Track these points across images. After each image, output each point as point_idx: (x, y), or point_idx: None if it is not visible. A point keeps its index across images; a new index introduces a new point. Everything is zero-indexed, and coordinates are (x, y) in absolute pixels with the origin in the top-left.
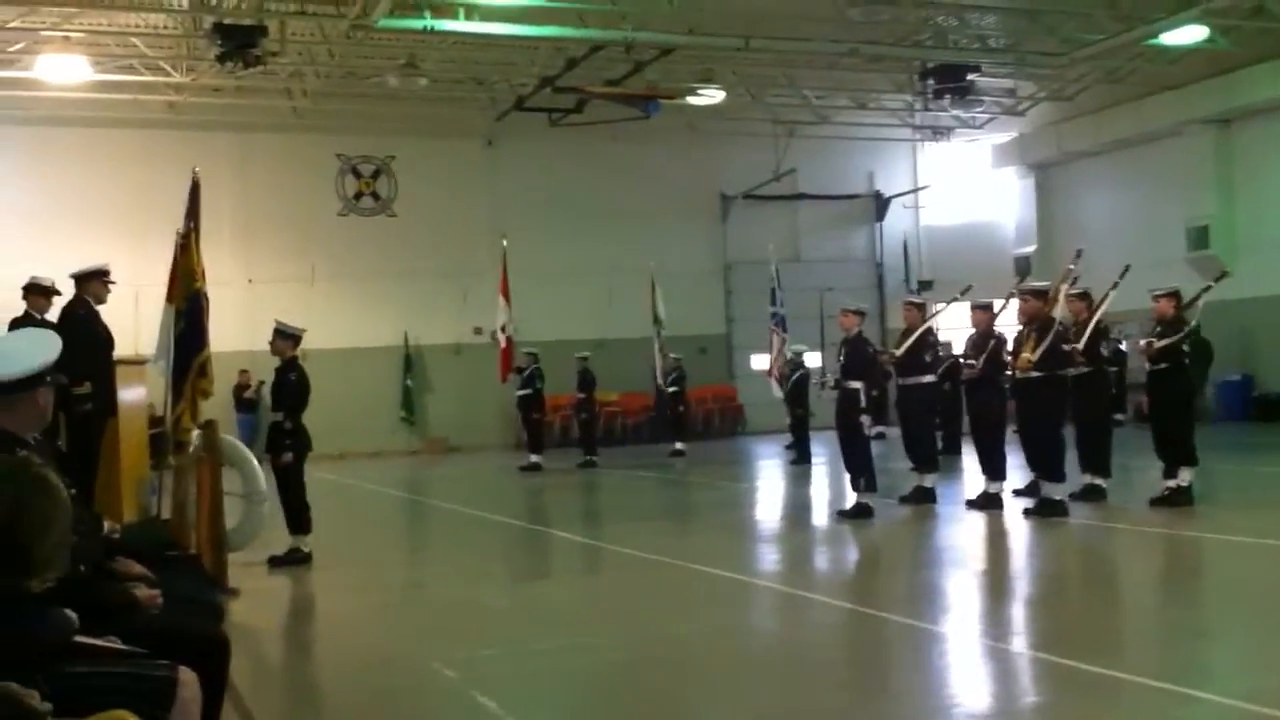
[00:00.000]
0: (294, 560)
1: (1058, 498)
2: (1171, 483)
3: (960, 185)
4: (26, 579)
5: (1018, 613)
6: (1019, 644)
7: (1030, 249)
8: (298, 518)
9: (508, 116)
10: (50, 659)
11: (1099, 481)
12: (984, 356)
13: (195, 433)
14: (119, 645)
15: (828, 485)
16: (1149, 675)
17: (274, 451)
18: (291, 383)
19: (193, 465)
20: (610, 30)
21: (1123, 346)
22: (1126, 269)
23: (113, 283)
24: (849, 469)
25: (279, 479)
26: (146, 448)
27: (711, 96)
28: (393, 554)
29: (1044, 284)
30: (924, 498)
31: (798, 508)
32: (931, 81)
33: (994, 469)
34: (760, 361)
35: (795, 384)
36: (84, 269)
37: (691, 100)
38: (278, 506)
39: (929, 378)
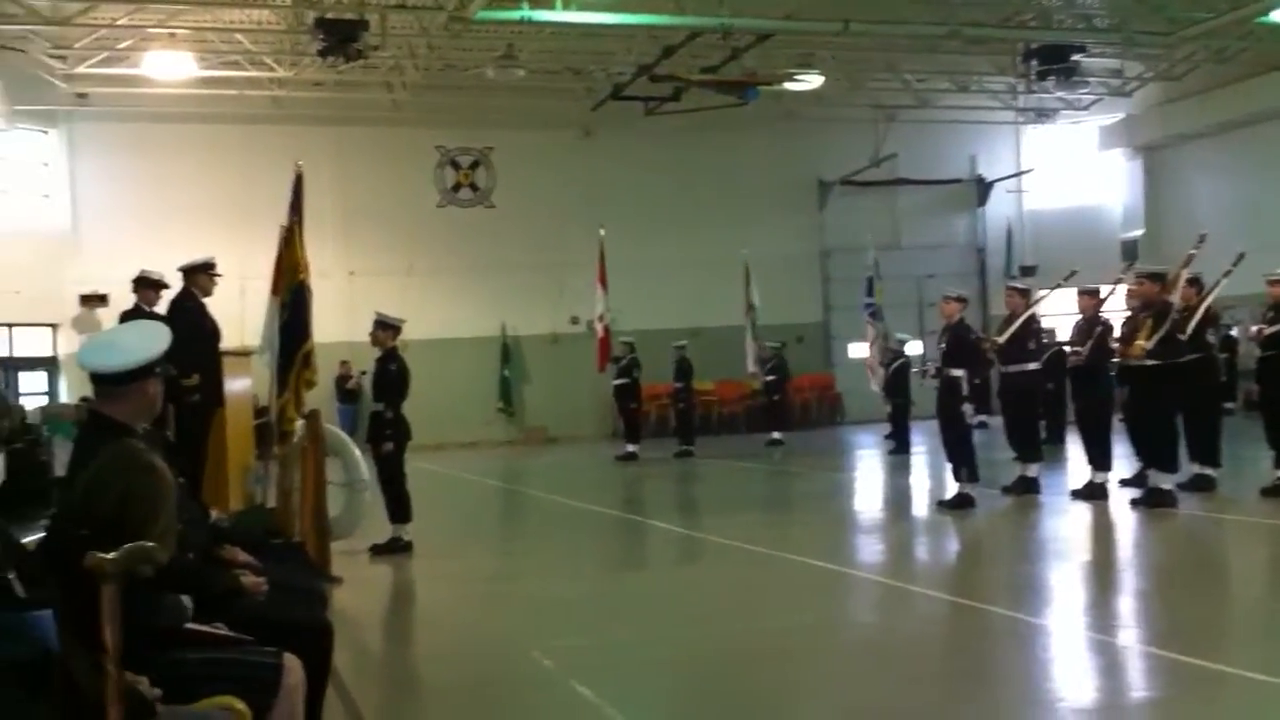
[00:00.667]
0: (395, 549)
1: (1166, 488)
2: None
3: (1065, 168)
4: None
5: (1124, 606)
6: (1125, 638)
7: (1137, 233)
8: (399, 507)
9: (604, 106)
10: (161, 645)
11: (1208, 471)
12: (1090, 343)
13: (299, 423)
14: (226, 632)
15: (928, 475)
16: (1259, 670)
17: (375, 441)
18: (392, 373)
19: (296, 454)
20: (707, 17)
21: (1233, 333)
22: (1241, 256)
23: (219, 275)
24: (950, 459)
25: (380, 468)
26: (252, 438)
27: (810, 82)
28: (491, 543)
29: (1162, 268)
30: (1027, 488)
31: (897, 498)
32: (1035, 63)
33: (1100, 458)
34: (858, 350)
35: (895, 373)
36: (191, 262)
37: (789, 86)
38: (378, 495)
39: (1032, 365)
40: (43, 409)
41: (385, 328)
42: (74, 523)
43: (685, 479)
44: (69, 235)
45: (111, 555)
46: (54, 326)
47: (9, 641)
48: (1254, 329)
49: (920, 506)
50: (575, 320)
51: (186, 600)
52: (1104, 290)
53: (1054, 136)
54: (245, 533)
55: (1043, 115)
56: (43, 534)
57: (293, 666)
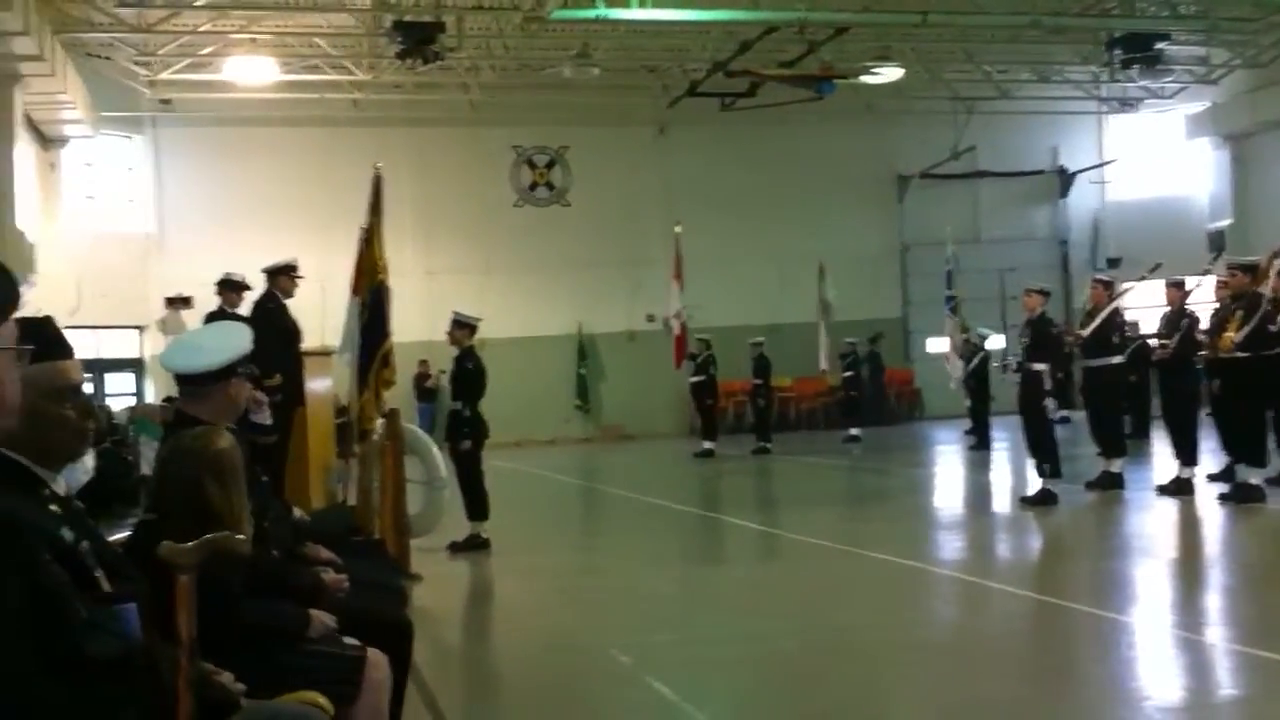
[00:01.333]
0: (473, 546)
1: (1254, 483)
2: None
3: (1150, 158)
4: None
5: (1211, 603)
6: (1212, 635)
7: (1225, 223)
8: (477, 504)
9: (680, 103)
10: (251, 642)
11: None
12: (1177, 336)
13: (378, 421)
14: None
15: (1010, 471)
16: None
17: (453, 439)
18: (469, 371)
19: (376, 453)
20: (783, 11)
21: None
22: None
23: (300, 277)
24: (1033, 454)
25: (458, 466)
26: (333, 436)
27: (888, 75)
28: (568, 540)
29: (1253, 259)
30: (1112, 483)
31: (978, 494)
32: (1118, 51)
33: (1187, 453)
34: (937, 345)
35: (975, 367)
36: (274, 264)
37: (867, 79)
38: (457, 493)
39: (1116, 359)
40: (129, 409)
41: (462, 326)
42: (154, 515)
43: (763, 475)
44: (154, 239)
45: (187, 545)
46: (140, 329)
47: (99, 637)
48: None
49: (1002, 503)
50: (651, 318)
51: (323, 615)
52: (1190, 282)
53: (1138, 126)
54: (326, 531)
55: (1126, 105)
56: (129, 532)
57: (377, 661)
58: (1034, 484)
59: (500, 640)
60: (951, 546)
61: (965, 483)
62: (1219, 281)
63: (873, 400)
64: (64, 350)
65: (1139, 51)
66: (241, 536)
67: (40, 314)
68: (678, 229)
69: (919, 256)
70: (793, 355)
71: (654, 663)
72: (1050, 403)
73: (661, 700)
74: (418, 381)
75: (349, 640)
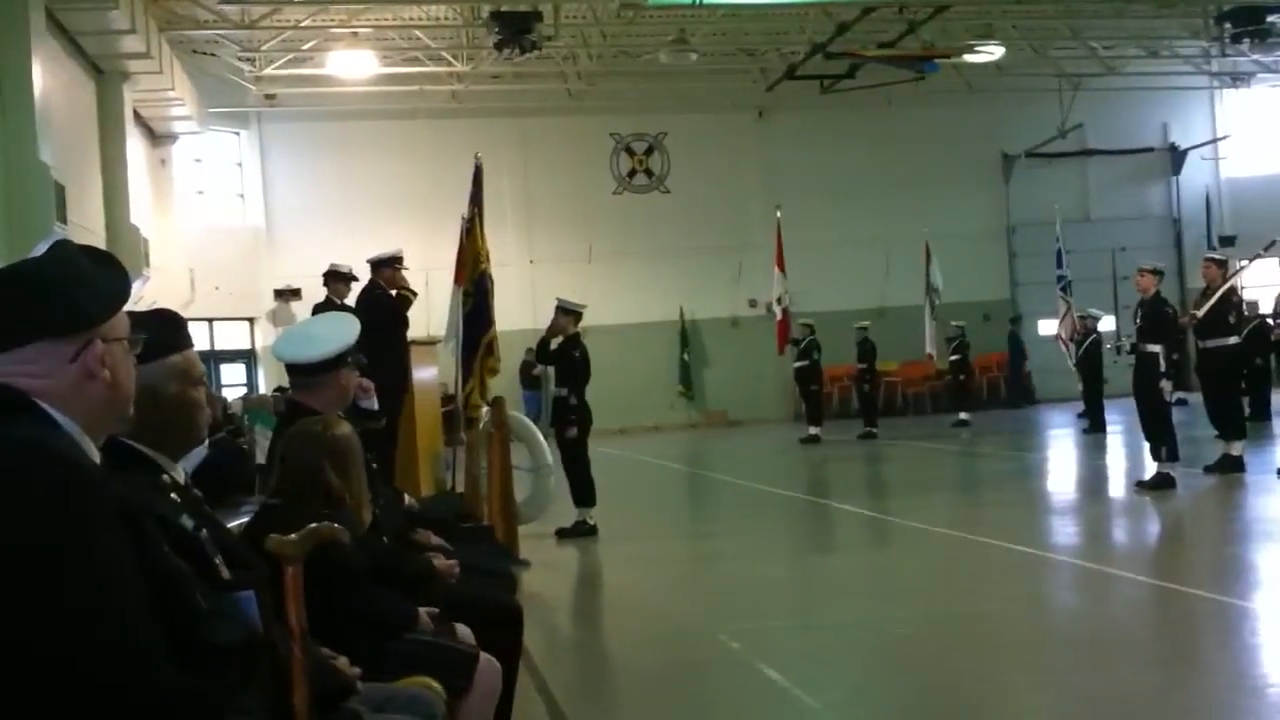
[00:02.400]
0: (580, 532)
1: None
2: None
3: (1264, 133)
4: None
5: None
6: None
7: None
8: (583, 490)
9: (778, 86)
10: (366, 627)
11: None
12: None
13: (484, 409)
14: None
15: (1125, 455)
16: None
17: (559, 426)
18: (574, 359)
19: (483, 440)
20: None
21: None
22: None
23: (406, 269)
24: (1148, 437)
25: (564, 453)
26: (440, 424)
27: (991, 53)
28: (675, 527)
29: None
30: (1231, 467)
31: (1093, 479)
32: (1229, 24)
33: None
34: (1048, 327)
35: (1088, 349)
36: (379, 255)
37: (969, 58)
38: (563, 480)
39: (1233, 339)
40: (242, 399)
41: (567, 313)
42: (279, 502)
43: (870, 461)
44: (263, 232)
45: (292, 537)
46: (251, 320)
47: (220, 624)
48: None
49: (1117, 487)
50: (753, 303)
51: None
52: None
53: (1251, 101)
54: (436, 517)
55: (1238, 79)
56: (246, 519)
57: (490, 668)
58: (1150, 468)
59: (609, 626)
60: (1067, 532)
61: (1079, 467)
62: None
63: (1011, 381)
64: (188, 341)
65: (1250, 24)
66: (338, 525)
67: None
68: (778, 213)
69: (1027, 237)
70: (899, 339)
71: (765, 649)
72: (1166, 385)
73: (774, 686)
74: (524, 369)
75: (464, 642)
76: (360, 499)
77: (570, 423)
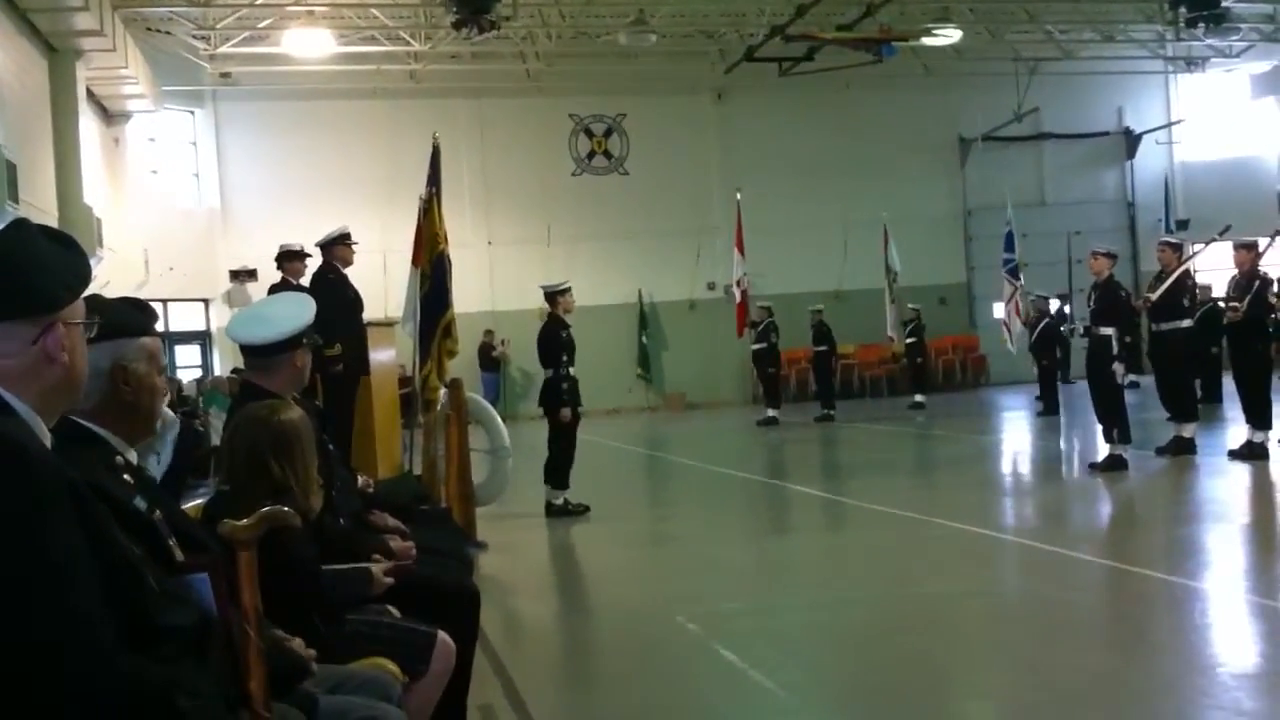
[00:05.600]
0: (565, 512)
1: None
2: None
3: (1218, 118)
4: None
5: None
6: None
7: None
8: (559, 472)
9: (737, 69)
10: (325, 610)
11: None
12: (1248, 298)
13: (442, 391)
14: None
15: (1078, 437)
16: None
17: (549, 406)
18: (561, 339)
19: (441, 423)
20: None
21: None
22: None
23: (355, 244)
24: (1101, 420)
25: (553, 432)
26: (398, 406)
27: (948, 36)
28: (634, 509)
29: None
30: (1183, 449)
31: (1047, 461)
32: (1183, 9)
33: (1259, 417)
34: (1003, 310)
35: (1041, 332)
36: (327, 236)
37: (927, 41)
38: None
39: (1186, 323)
40: (197, 381)
41: (553, 295)
42: (230, 486)
43: (827, 443)
44: (218, 213)
45: (243, 522)
46: (206, 301)
47: (172, 606)
48: None
49: (1071, 469)
50: (712, 285)
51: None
52: (1262, 244)
53: (1205, 86)
54: (394, 499)
55: (1192, 64)
56: (200, 501)
57: (445, 649)
58: (1103, 450)
59: (567, 608)
60: (1021, 513)
61: (1033, 449)
62: None
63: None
64: (155, 329)
65: (1204, 10)
66: (290, 509)
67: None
68: (738, 196)
69: (983, 220)
70: (857, 322)
71: (722, 631)
72: (1119, 367)
73: (730, 668)
74: (482, 351)
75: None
76: (308, 484)
77: (564, 403)
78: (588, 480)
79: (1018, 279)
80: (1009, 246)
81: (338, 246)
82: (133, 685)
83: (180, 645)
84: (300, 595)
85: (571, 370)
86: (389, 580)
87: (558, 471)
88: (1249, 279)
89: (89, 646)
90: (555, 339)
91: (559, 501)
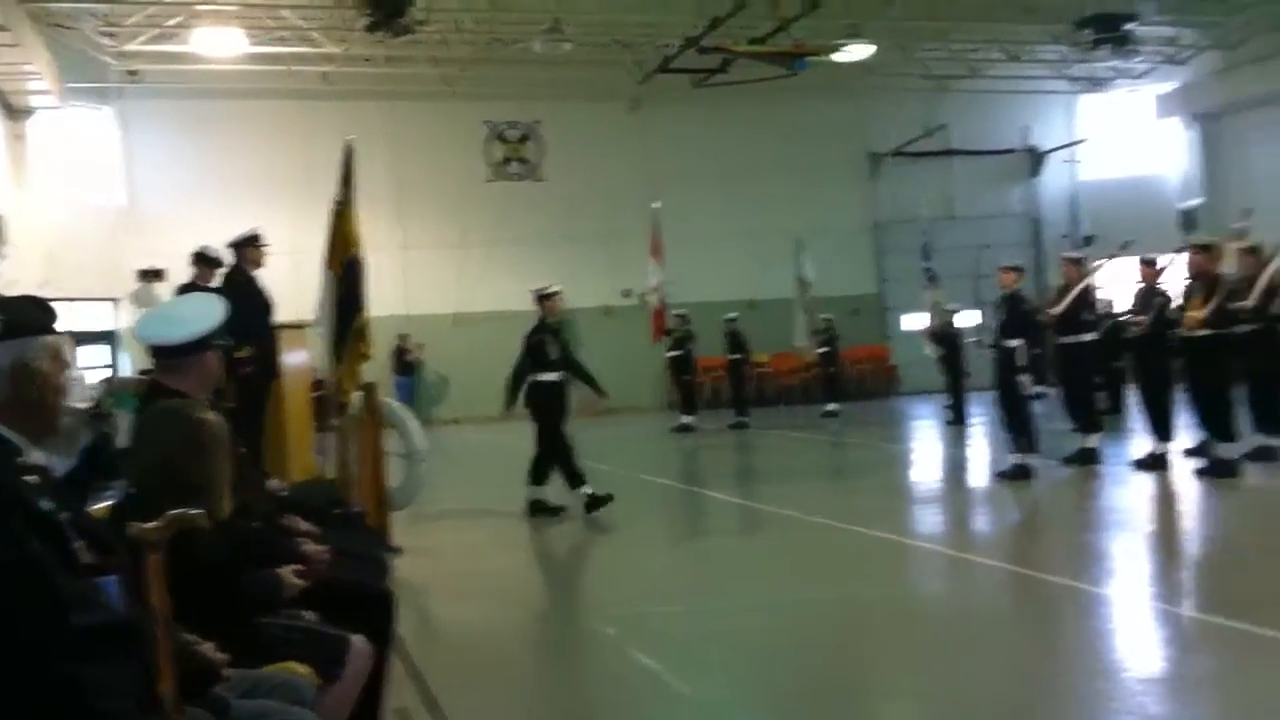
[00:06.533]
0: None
1: (1229, 458)
2: None
3: (1121, 137)
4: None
5: (1188, 576)
6: (1190, 607)
7: (1196, 202)
8: (539, 469)
9: (653, 79)
10: (237, 612)
11: (1272, 441)
12: (1150, 313)
13: (356, 395)
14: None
15: (986, 446)
16: None
17: (537, 407)
18: (535, 343)
19: (354, 426)
20: None
21: None
22: None
23: (266, 245)
24: (1008, 429)
25: (540, 433)
26: (310, 410)
27: (859, 52)
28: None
29: (1213, 239)
30: (1087, 459)
31: (955, 469)
32: (1088, 31)
33: (1161, 429)
34: (912, 321)
35: (949, 343)
36: (238, 237)
37: (839, 57)
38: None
39: (1089, 335)
40: (105, 382)
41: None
42: (145, 489)
43: (742, 450)
44: (125, 211)
45: (151, 525)
46: (113, 301)
47: (83, 608)
48: None
49: (979, 477)
50: (628, 293)
51: (285, 575)
52: (1163, 260)
53: (1109, 106)
54: (307, 503)
55: (1097, 84)
56: (109, 503)
57: (361, 651)
58: (1010, 459)
59: (484, 612)
60: (930, 520)
61: (942, 457)
62: (1188, 260)
63: None
64: (55, 328)
65: (1109, 31)
66: (198, 512)
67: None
68: (655, 204)
69: (893, 233)
70: (771, 331)
71: (640, 634)
72: (1025, 379)
73: (644, 671)
74: (397, 355)
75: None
76: (220, 486)
77: (556, 409)
78: (505, 484)
79: (938, 286)
80: (926, 256)
81: (248, 248)
82: (65, 687)
83: (93, 647)
84: (211, 599)
85: (552, 376)
86: (299, 582)
87: (537, 469)
88: (1151, 294)
89: (25, 652)
90: (539, 344)
91: (537, 498)
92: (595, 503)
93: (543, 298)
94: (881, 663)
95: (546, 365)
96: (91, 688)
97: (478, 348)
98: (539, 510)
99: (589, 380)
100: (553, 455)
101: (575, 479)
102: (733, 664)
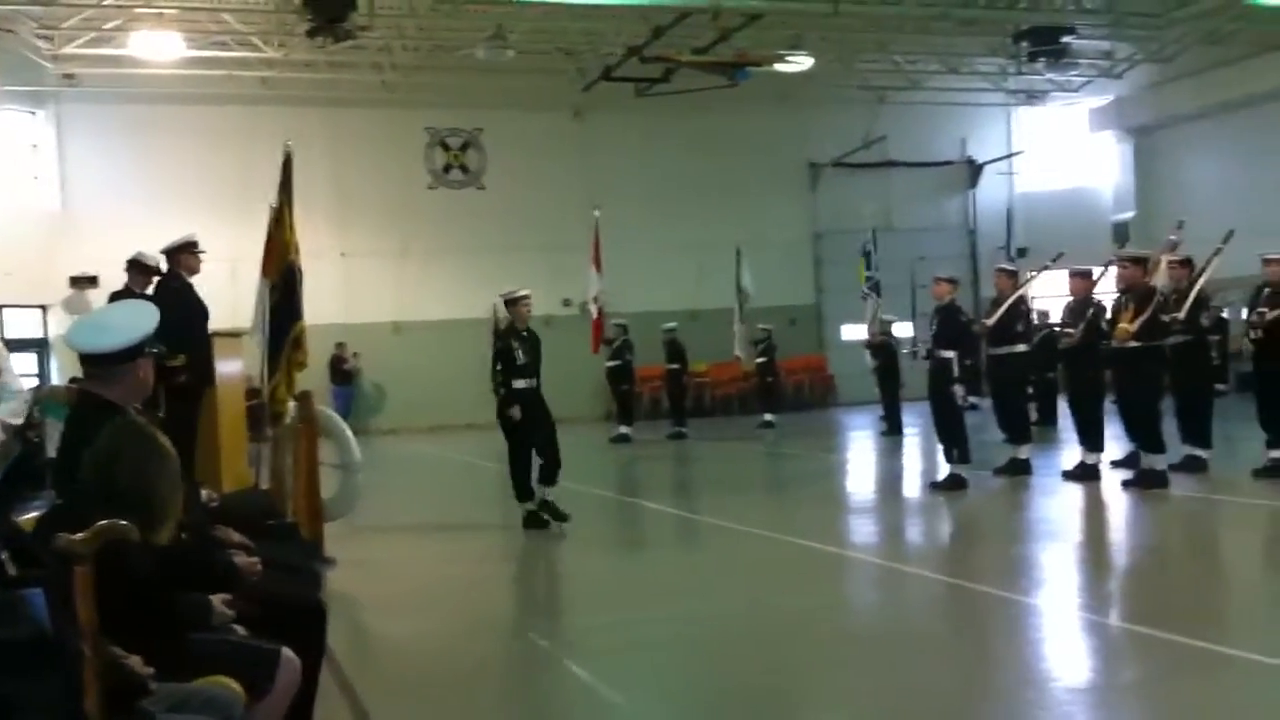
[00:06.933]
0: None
1: (1158, 469)
2: (1276, 454)
3: (1056, 150)
4: (153, 533)
5: (1116, 586)
6: (1118, 617)
7: (1129, 215)
8: (515, 483)
9: (595, 87)
10: (162, 628)
11: (1200, 453)
12: (1082, 325)
13: (291, 404)
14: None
15: (920, 457)
16: (1257, 651)
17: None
18: (502, 349)
19: (289, 436)
20: None
21: (1225, 315)
22: (1229, 235)
23: (202, 252)
24: (942, 440)
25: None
26: (244, 419)
27: (800, 63)
28: (488, 525)
29: (1144, 252)
30: (1019, 469)
31: (890, 479)
32: (1025, 44)
33: (1092, 440)
34: (851, 332)
35: (885, 353)
36: (173, 243)
37: (780, 67)
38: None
39: (1021, 347)
40: (34, 390)
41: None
42: (84, 500)
43: (679, 461)
44: (59, 216)
45: (81, 536)
46: (44, 308)
47: (6, 621)
48: (1255, 314)
49: (913, 488)
50: (568, 302)
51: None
52: (1096, 272)
53: (1045, 118)
54: (240, 514)
55: (1033, 97)
56: (37, 513)
57: (290, 664)
58: (943, 469)
59: (417, 624)
60: (865, 531)
61: (877, 468)
62: (1118, 273)
63: None
64: None
65: (1045, 45)
66: (127, 523)
67: None
68: (596, 213)
69: (832, 244)
70: (710, 341)
71: (574, 646)
72: (959, 389)
73: (580, 684)
74: (334, 364)
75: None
76: (169, 502)
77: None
78: (441, 495)
79: (879, 295)
80: (871, 265)
81: (183, 254)
82: None
83: (15, 661)
84: (138, 612)
85: (523, 382)
86: (229, 613)
87: (514, 483)
88: (1083, 306)
89: None
90: (506, 350)
91: (527, 511)
92: (532, 520)
93: (509, 302)
94: (813, 672)
95: (515, 372)
96: (13, 703)
97: (418, 357)
98: (533, 523)
99: None
100: (511, 461)
101: (522, 492)
102: (666, 675)
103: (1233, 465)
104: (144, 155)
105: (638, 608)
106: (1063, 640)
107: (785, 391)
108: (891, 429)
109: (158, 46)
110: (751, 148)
